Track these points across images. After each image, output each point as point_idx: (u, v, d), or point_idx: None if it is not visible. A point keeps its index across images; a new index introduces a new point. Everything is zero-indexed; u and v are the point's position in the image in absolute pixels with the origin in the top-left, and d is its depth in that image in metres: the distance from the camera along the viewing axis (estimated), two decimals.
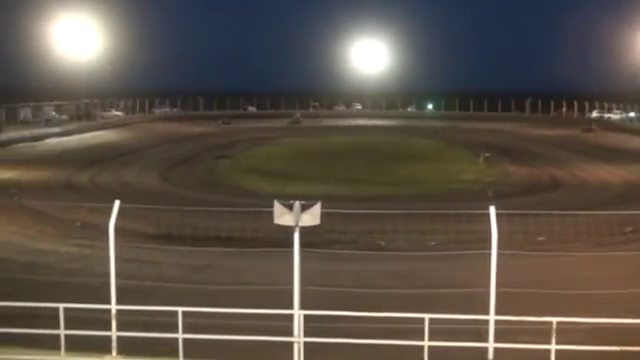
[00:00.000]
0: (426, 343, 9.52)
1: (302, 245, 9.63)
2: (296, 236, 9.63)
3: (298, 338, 9.65)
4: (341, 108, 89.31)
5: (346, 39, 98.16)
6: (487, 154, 45.34)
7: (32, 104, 62.44)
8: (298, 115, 75.84)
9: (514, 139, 57.29)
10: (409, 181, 35.20)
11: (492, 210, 9.64)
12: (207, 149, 50.88)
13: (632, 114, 70.07)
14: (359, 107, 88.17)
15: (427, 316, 9.51)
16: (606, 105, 72.74)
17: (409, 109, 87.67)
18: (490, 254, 9.51)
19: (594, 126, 62.10)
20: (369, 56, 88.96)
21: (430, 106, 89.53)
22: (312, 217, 9.72)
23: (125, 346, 9.84)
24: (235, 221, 18.13)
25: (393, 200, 27.10)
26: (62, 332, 9.37)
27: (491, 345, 9.68)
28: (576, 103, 74.06)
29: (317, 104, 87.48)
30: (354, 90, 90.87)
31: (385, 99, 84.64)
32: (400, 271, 16.33)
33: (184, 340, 9.57)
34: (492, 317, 9.65)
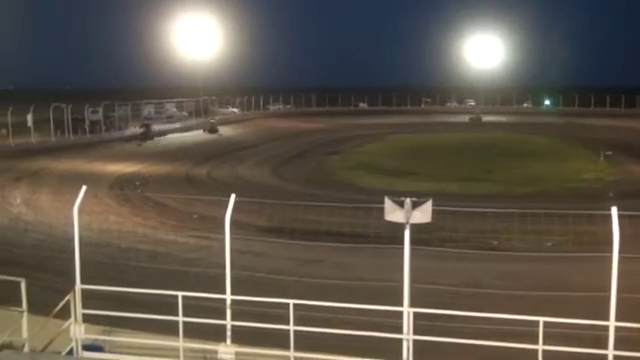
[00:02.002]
0: (540, 347, 9.21)
1: (412, 242, 9.55)
2: (407, 233, 9.55)
3: (408, 335, 9.59)
4: (454, 104, 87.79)
5: (460, 34, 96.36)
6: (608, 152, 43.08)
7: (155, 101, 65.69)
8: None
9: (636, 136, 54.05)
10: (524, 179, 34.08)
11: (614, 211, 9.17)
12: (318, 145, 51.52)
13: None
14: (472, 103, 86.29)
15: (542, 319, 9.18)
16: None
17: (525, 105, 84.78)
18: (611, 257, 9.07)
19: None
20: (483, 51, 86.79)
21: (547, 102, 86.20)
22: (423, 214, 9.60)
23: (238, 335, 10.15)
24: (345, 217, 18.25)
25: (507, 198, 26.36)
26: (180, 319, 9.76)
27: (611, 352, 9.23)
28: None
29: (429, 100, 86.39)
30: (467, 86, 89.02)
31: (500, 95, 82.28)
32: (513, 272, 15.91)
33: (295, 332, 9.74)
34: (612, 323, 9.19)
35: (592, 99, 74.79)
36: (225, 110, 71.72)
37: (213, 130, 57.60)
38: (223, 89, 78.95)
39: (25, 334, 10.03)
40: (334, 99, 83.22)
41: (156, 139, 50.55)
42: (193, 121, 62.14)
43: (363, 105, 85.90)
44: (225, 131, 58.89)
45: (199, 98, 67.48)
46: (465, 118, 73.25)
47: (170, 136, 53.67)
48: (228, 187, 28.68)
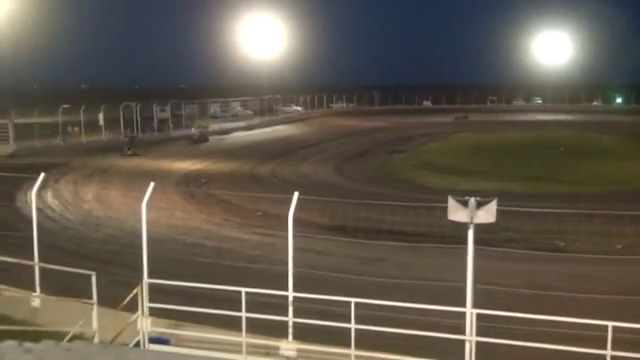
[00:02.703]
0: (609, 352, 8.96)
1: (476, 243, 9.46)
2: (470, 233, 9.45)
3: (470, 337, 9.50)
4: (520, 102, 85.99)
5: (528, 31, 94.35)
6: None
7: (221, 100, 66.90)
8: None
9: None
10: (592, 179, 33.07)
11: None
12: (381, 144, 51.34)
13: None
14: (540, 101, 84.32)
15: (611, 324, 8.93)
16: None
17: (595, 103, 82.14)
18: None
19: None
20: (552, 48, 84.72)
21: (619, 99, 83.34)
22: (487, 214, 9.49)
23: (300, 332, 10.26)
24: (408, 216, 18.17)
25: (575, 199, 25.62)
26: (244, 314, 9.93)
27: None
28: None
29: (495, 98, 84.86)
30: (535, 83, 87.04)
31: (568, 93, 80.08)
32: (580, 274, 15.51)
33: (356, 331, 9.77)
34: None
35: None
36: (289, 108, 72.35)
37: (202, 139, 48.67)
38: (287, 88, 79.64)
39: (95, 326, 10.41)
40: (397, 97, 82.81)
41: (217, 137, 51.00)
42: (257, 120, 62.95)
43: (427, 103, 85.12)
44: (289, 129, 59.39)
45: (264, 97, 68.29)
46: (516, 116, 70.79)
47: (235, 134, 54.54)
48: (292, 185, 28.95)
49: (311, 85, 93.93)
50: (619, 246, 17.71)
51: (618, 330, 8.97)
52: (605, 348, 8.92)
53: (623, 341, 8.98)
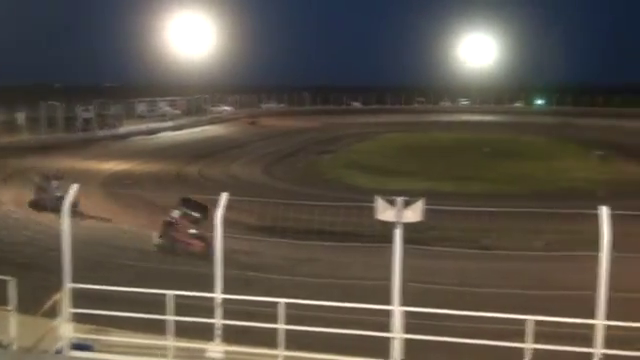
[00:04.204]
0: (529, 345, 9.21)
1: (405, 242, 9.55)
2: (398, 232, 9.56)
3: (397, 334, 9.59)
4: (447, 104, 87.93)
5: (453, 33, 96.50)
6: (601, 152, 43.25)
7: (148, 99, 65.59)
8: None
9: (629, 136, 54.24)
10: (516, 179, 34.17)
11: (603, 210, 9.19)
12: (310, 144, 51.51)
13: None
14: (466, 102, 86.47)
15: (531, 318, 9.19)
16: None
17: (517, 104, 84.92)
18: (601, 256, 9.08)
19: None
20: (477, 50, 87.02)
21: (540, 101, 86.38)
22: (415, 213, 9.61)
23: (229, 334, 10.11)
24: (338, 216, 18.25)
25: (499, 198, 26.42)
26: (170, 318, 9.72)
27: (599, 351, 9.25)
28: None
29: (423, 99, 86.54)
30: (461, 85, 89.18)
31: (493, 94, 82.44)
32: (504, 271, 15.91)
33: (286, 331, 9.71)
34: (601, 322, 9.21)
35: (587, 98, 75.07)
36: (218, 108, 71.63)
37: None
38: (216, 87, 78.84)
39: (13, 333, 9.97)
40: (327, 98, 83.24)
41: (144, 137, 50.11)
42: (185, 119, 62.03)
43: (356, 104, 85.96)
44: (217, 130, 58.79)
45: (192, 97, 67.37)
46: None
47: (162, 134, 53.58)
48: (219, 186, 28.62)
49: (241, 85, 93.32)
50: (540, 243, 18.30)
51: (539, 324, 9.23)
52: (526, 342, 9.17)
53: (545, 334, 9.25)
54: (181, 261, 16.61)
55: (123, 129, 51.05)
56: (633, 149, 46.64)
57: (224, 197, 10.12)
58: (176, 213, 18.03)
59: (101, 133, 49.25)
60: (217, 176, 34.32)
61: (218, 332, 10.02)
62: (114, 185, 30.03)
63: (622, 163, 40.19)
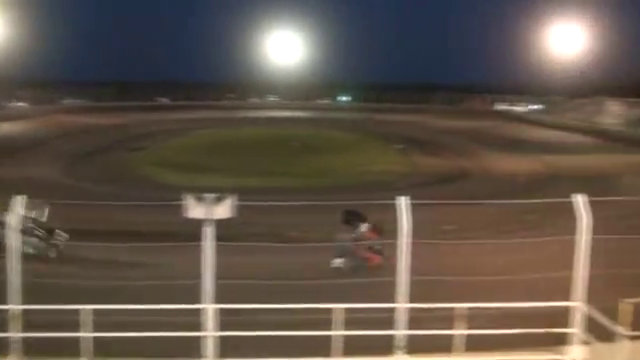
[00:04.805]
0: (338, 333, 9.60)
1: (218, 238, 9.54)
2: (209, 230, 9.51)
3: (211, 332, 9.54)
4: (256, 100, 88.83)
5: (261, 30, 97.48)
6: (400, 146, 46.28)
7: None
8: None
9: (425, 131, 58.64)
10: (323, 173, 35.42)
11: (402, 200, 9.83)
12: (117, 141, 49.47)
13: (535, 106, 73.47)
14: (274, 99, 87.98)
15: (340, 306, 9.59)
16: (510, 98, 76.09)
17: (324, 101, 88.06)
18: (401, 243, 9.70)
19: None
20: (284, 47, 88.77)
21: (345, 98, 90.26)
22: (225, 210, 9.64)
23: (30, 347, 9.44)
24: (146, 215, 17.76)
25: (307, 192, 27.19)
26: None
27: (402, 332, 9.88)
28: (484, 96, 76.95)
29: (232, 95, 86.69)
30: (269, 82, 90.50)
31: (300, 91, 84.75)
32: (313, 262, 16.39)
33: (93, 339, 9.26)
34: (404, 305, 9.85)
35: (389, 95, 79.72)
36: (11, 104, 66.26)
37: None
38: (8, 81, 72.83)
39: None
40: (133, 94, 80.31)
41: None
42: None
43: (164, 100, 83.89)
44: (10, 128, 54.36)
45: None
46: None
47: None
48: (14, 188, 26.47)
49: (38, 79, 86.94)
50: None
51: (349, 311, 9.66)
52: (334, 330, 9.56)
53: (352, 321, 9.69)
54: None
55: None
56: (430, 143, 50.46)
57: (19, 200, 9.45)
58: (364, 227, 16.57)
59: None
60: (9, 177, 31.71)
61: (15, 345, 9.33)
62: None
63: (419, 156, 43.22)
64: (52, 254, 17.33)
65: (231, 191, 10.02)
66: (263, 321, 9.97)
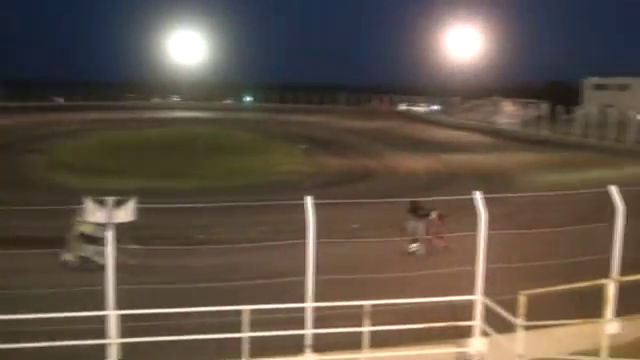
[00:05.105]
0: (246, 335, 9.57)
1: (120, 242, 9.30)
2: (109, 234, 9.27)
3: (113, 339, 9.28)
4: (159, 100, 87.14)
5: (163, 30, 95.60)
6: (304, 146, 46.60)
7: None
8: None
9: (329, 131, 59.33)
10: (228, 174, 35.13)
11: (308, 200, 9.91)
12: (10, 143, 47.08)
13: (435, 107, 75.90)
14: (177, 99, 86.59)
15: (246, 307, 9.55)
16: (411, 99, 78.35)
17: (227, 101, 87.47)
18: (308, 242, 9.77)
19: None
20: (186, 47, 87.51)
21: (248, 98, 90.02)
22: (126, 213, 9.43)
23: None
24: (44, 220, 17.04)
25: (211, 193, 26.89)
26: None
27: (309, 332, 9.95)
28: (386, 97, 78.80)
29: (133, 95, 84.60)
30: (172, 82, 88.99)
31: (203, 91, 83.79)
32: (220, 264, 16.24)
33: None
34: (310, 304, 9.93)
35: (291, 96, 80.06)
36: None
37: None
38: None
39: None
40: (26, 92, 76.65)
41: None
42: None
43: (59, 100, 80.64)
44: None
45: None
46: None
47: None
48: None
49: None
50: (254, 235, 19.02)
51: (255, 312, 9.64)
52: (241, 331, 9.52)
53: (260, 322, 9.66)
54: None
55: None
56: (334, 143, 51.06)
57: None
58: (434, 213, 17.77)
59: None
60: None
61: None
62: None
63: (322, 156, 43.63)
64: None
65: (134, 193, 9.78)
66: (174, 326, 9.82)
